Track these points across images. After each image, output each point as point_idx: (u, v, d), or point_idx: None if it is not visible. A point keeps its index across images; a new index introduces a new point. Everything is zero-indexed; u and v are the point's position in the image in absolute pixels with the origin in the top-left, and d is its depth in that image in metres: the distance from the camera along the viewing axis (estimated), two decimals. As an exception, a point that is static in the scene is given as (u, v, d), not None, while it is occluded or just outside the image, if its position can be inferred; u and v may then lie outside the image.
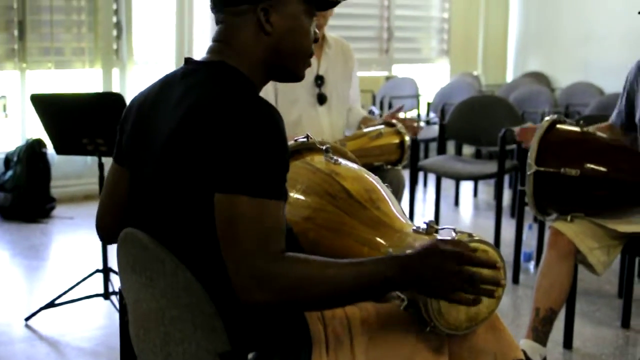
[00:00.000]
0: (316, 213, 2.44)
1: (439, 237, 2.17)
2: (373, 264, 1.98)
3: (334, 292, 1.92)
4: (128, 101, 4.14)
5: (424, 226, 2.28)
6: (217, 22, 2.19)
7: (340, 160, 2.61)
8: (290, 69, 2.23)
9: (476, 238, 2.14)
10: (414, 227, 2.32)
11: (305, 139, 2.68)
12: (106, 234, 2.42)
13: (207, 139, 1.93)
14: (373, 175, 2.59)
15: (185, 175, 1.96)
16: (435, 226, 2.27)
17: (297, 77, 2.27)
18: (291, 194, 2.43)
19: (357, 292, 1.96)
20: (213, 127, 1.93)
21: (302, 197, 2.48)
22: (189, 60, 2.21)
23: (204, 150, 1.92)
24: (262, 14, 2.09)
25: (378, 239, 2.33)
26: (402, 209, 2.51)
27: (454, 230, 2.17)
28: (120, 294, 2.44)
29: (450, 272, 1.95)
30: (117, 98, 4.34)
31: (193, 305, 2.01)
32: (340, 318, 2.16)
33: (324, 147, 2.64)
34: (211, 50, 2.18)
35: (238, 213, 1.87)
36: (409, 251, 2.03)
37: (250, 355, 2.10)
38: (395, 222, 2.38)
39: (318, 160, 2.61)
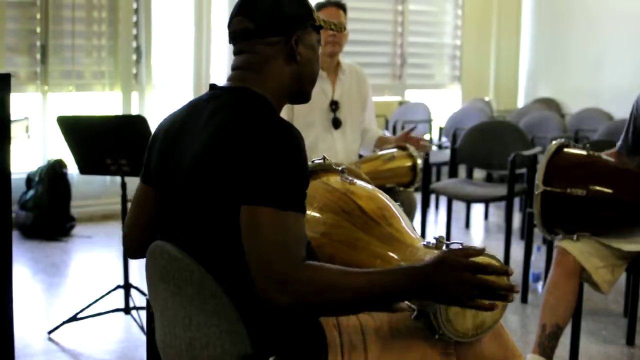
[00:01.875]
0: (332, 229, 2.59)
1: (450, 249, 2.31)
2: (389, 273, 2.12)
3: (351, 299, 2.06)
4: (149, 124, 4.33)
5: (434, 241, 2.43)
6: (239, 52, 2.36)
7: (355, 180, 2.76)
8: (306, 92, 2.43)
9: (486, 253, 2.28)
10: (424, 242, 2.47)
11: (321, 160, 2.83)
12: (133, 250, 2.57)
13: (234, 156, 2.09)
14: (385, 194, 2.73)
15: (213, 189, 2.12)
16: (445, 241, 2.41)
17: (307, 99, 2.47)
18: (308, 212, 2.58)
19: (372, 300, 2.10)
20: (240, 146, 2.09)
21: (318, 215, 2.62)
22: (214, 86, 2.37)
23: (232, 167, 2.08)
24: (294, 44, 2.27)
25: (390, 254, 2.47)
26: (412, 226, 2.65)
27: (462, 245, 2.31)
28: (147, 302, 2.59)
29: (465, 281, 2.08)
30: (140, 120, 4.48)
31: (218, 312, 2.15)
32: (354, 326, 2.31)
33: (339, 168, 2.79)
34: (234, 78, 2.35)
35: (262, 223, 2.02)
36: (424, 262, 2.15)
37: (270, 359, 2.24)
38: (406, 237, 2.53)
39: (334, 180, 2.76)
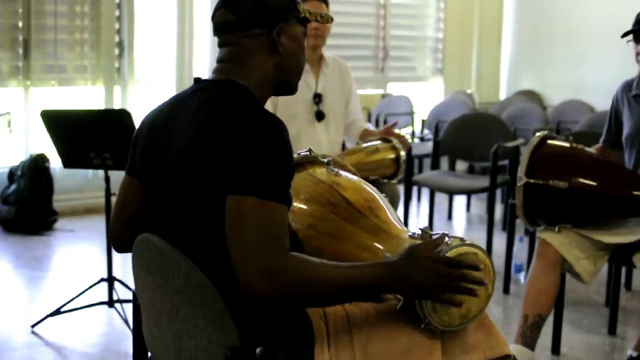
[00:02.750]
0: (318, 221, 2.60)
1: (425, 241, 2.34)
2: (369, 267, 2.17)
3: (332, 291, 2.09)
4: (133, 118, 4.33)
5: (419, 232, 2.45)
6: (223, 45, 2.37)
7: (341, 172, 2.78)
8: (291, 84, 2.44)
9: (467, 242, 2.31)
10: (410, 233, 2.49)
11: (307, 153, 2.84)
12: (120, 244, 2.57)
13: (219, 148, 2.10)
14: (371, 186, 2.75)
15: (200, 181, 2.13)
16: (430, 232, 2.43)
17: (294, 91, 2.48)
18: (295, 203, 2.60)
19: (354, 293, 2.15)
20: (225, 138, 2.10)
21: (304, 206, 2.64)
22: (198, 80, 2.38)
23: (217, 159, 2.10)
24: (277, 36, 2.28)
25: (376, 245, 2.49)
26: (398, 217, 2.67)
27: (447, 235, 2.33)
28: (133, 295, 2.60)
29: (438, 274, 2.16)
30: (124, 114, 4.47)
31: (205, 303, 2.16)
32: (341, 315, 2.33)
33: (325, 160, 2.81)
34: (218, 70, 2.36)
35: (246, 212, 2.04)
36: (398, 255, 2.21)
37: (257, 350, 2.25)
38: (392, 228, 2.54)
39: (320, 172, 2.78)
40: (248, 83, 2.30)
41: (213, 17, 2.38)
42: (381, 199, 2.68)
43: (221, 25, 2.36)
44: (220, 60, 2.37)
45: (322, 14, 2.50)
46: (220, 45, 2.38)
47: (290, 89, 2.44)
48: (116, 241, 2.58)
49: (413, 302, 2.30)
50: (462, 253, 2.28)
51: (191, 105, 2.27)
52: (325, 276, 2.08)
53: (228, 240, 2.06)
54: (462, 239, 2.33)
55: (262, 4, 2.30)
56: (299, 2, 2.40)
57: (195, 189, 2.15)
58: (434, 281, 2.16)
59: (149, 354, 2.61)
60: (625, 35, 4.08)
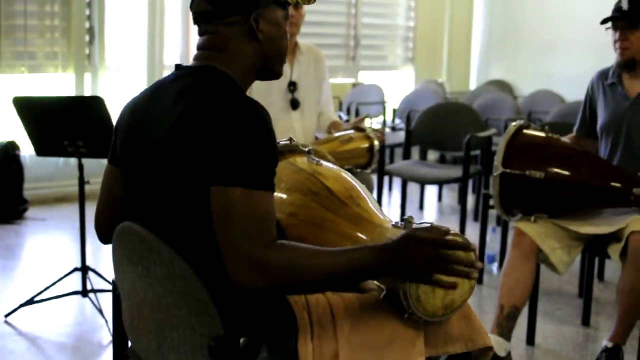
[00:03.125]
0: (300, 209, 2.59)
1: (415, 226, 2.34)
2: (358, 251, 2.16)
3: (323, 277, 2.09)
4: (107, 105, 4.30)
5: (402, 222, 2.44)
6: (203, 33, 2.35)
7: (322, 161, 2.77)
8: (275, 69, 2.43)
9: (452, 232, 2.30)
10: (393, 223, 2.48)
11: (288, 142, 2.83)
12: (104, 233, 2.55)
13: (202, 136, 2.08)
14: (351, 175, 2.74)
15: (182, 170, 2.11)
16: (413, 221, 2.42)
17: (278, 75, 2.47)
18: (276, 193, 2.57)
19: (344, 277, 2.14)
20: (208, 126, 2.08)
21: (285, 195, 2.63)
22: (179, 66, 2.36)
23: (200, 147, 2.08)
24: (254, 22, 2.26)
25: (359, 234, 2.48)
26: (379, 206, 2.66)
27: (431, 224, 2.33)
28: (113, 284, 2.58)
29: (429, 256, 2.15)
30: (98, 101, 4.42)
31: (188, 293, 2.15)
32: (324, 306, 2.32)
33: (306, 149, 2.80)
34: (199, 57, 2.34)
35: (232, 203, 2.03)
36: (389, 240, 2.20)
37: (241, 341, 2.24)
38: (374, 218, 2.54)
39: (300, 161, 2.76)
40: (229, 69, 2.28)
41: (191, 7, 2.36)
42: (362, 189, 2.67)
43: (199, 15, 2.34)
44: (200, 47, 2.35)
45: None
46: (200, 34, 2.36)
47: (274, 73, 2.43)
48: (100, 231, 2.57)
49: (397, 292, 2.29)
50: (446, 242, 2.27)
51: (172, 93, 2.25)
52: (314, 263, 2.07)
53: (215, 230, 2.05)
54: (447, 229, 2.32)
55: None
56: None
57: (177, 178, 2.14)
58: (423, 262, 2.15)
59: (129, 343, 2.59)
60: (604, 22, 4.09)
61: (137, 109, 2.37)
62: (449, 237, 2.20)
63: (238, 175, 2.04)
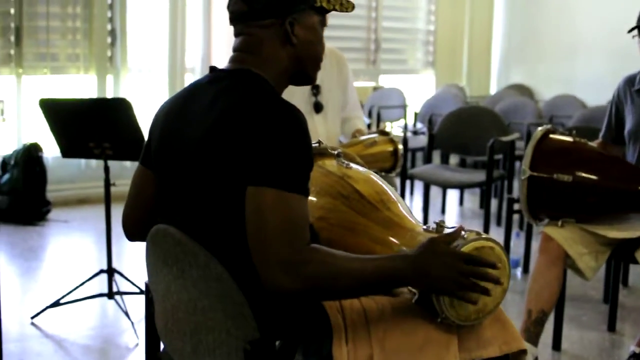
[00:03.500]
0: (330, 213, 2.58)
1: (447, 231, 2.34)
2: (388, 260, 2.15)
3: (352, 283, 2.08)
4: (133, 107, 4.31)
5: (434, 225, 2.44)
6: (238, 34, 2.35)
7: (351, 164, 2.76)
8: (309, 74, 2.43)
9: (484, 236, 2.30)
10: (424, 227, 2.48)
11: (317, 144, 2.83)
12: (132, 232, 2.56)
13: (239, 138, 2.08)
14: (381, 179, 2.74)
15: (219, 172, 2.11)
16: (445, 225, 2.42)
17: (313, 81, 2.47)
18: (305, 196, 2.58)
19: (373, 285, 2.13)
20: (245, 128, 2.08)
21: (315, 199, 2.61)
22: (214, 69, 2.37)
23: (237, 149, 2.08)
24: (289, 26, 2.27)
25: (390, 238, 2.47)
26: (410, 210, 2.66)
27: (463, 228, 2.33)
28: (146, 287, 2.58)
29: (458, 271, 2.16)
30: (124, 103, 4.42)
31: (224, 295, 2.15)
32: (358, 310, 2.32)
33: (335, 152, 2.79)
34: (234, 60, 2.34)
35: (266, 204, 2.02)
36: (418, 249, 2.19)
37: (276, 343, 2.24)
38: (405, 222, 2.53)
39: (330, 164, 2.76)
40: (264, 73, 2.28)
41: (228, 6, 2.37)
42: (392, 192, 2.66)
43: (235, 15, 2.34)
44: (236, 50, 2.35)
45: (342, 1, 2.46)
46: (235, 35, 2.36)
47: (308, 78, 2.43)
48: (128, 230, 2.57)
49: (430, 297, 2.29)
50: (478, 247, 2.27)
51: (208, 95, 2.25)
52: (345, 269, 2.07)
53: (248, 232, 2.04)
54: (478, 233, 2.32)
55: None
56: None
57: (213, 179, 2.14)
58: (451, 277, 2.15)
59: (162, 346, 2.59)
60: (631, 30, 4.07)
61: (172, 111, 2.37)
62: (481, 246, 2.23)
63: (273, 176, 2.03)
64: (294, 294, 2.03)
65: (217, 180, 2.13)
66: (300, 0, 2.32)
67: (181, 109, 2.34)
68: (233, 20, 2.36)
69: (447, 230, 2.38)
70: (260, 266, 2.01)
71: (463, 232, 2.31)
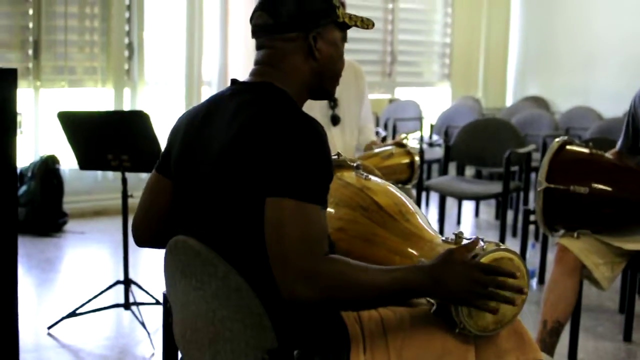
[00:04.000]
0: (349, 224, 2.60)
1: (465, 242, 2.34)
2: (406, 271, 2.16)
3: (370, 293, 2.09)
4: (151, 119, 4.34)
5: (452, 237, 2.45)
6: (260, 47, 2.37)
7: (370, 176, 2.78)
8: (328, 89, 2.45)
9: (502, 247, 2.31)
10: (443, 238, 2.49)
11: (335, 157, 2.84)
12: (141, 238, 2.57)
13: (260, 151, 2.10)
14: (400, 190, 2.75)
15: (239, 183, 2.13)
16: (463, 237, 2.43)
17: (331, 96, 2.50)
18: (324, 207, 2.59)
19: (390, 296, 2.14)
20: (266, 141, 2.11)
21: (334, 210, 2.63)
22: (235, 81, 2.38)
23: (258, 161, 2.10)
24: (313, 41, 2.29)
25: (409, 249, 2.49)
26: (428, 221, 2.67)
27: (482, 239, 2.34)
28: (164, 297, 2.60)
29: (477, 281, 2.16)
30: (143, 116, 4.46)
31: (243, 306, 2.16)
32: (375, 320, 2.33)
33: (354, 164, 2.81)
34: (256, 73, 2.36)
35: (285, 215, 2.04)
36: (435, 260, 2.20)
37: (294, 353, 2.24)
38: (424, 233, 2.54)
39: (348, 175, 2.77)
40: (286, 86, 2.30)
41: (251, 20, 2.39)
42: (411, 204, 2.68)
43: (258, 28, 2.36)
44: (257, 63, 2.37)
45: (363, 19, 2.49)
46: (257, 48, 2.38)
47: (327, 94, 2.45)
48: (137, 235, 2.57)
49: (448, 307, 2.30)
50: (497, 258, 2.27)
51: (230, 108, 2.27)
52: (363, 280, 2.07)
53: (267, 243, 2.06)
54: (497, 244, 2.33)
55: (300, 8, 2.30)
56: (339, 7, 2.40)
57: (234, 191, 2.15)
58: (470, 288, 2.16)
59: (179, 355, 2.61)
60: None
61: (193, 122, 2.39)
62: (500, 256, 2.24)
63: (293, 187, 2.05)
64: (312, 304, 2.05)
65: (237, 191, 2.15)
66: (325, 15, 2.34)
67: (203, 120, 2.35)
68: (256, 33, 2.38)
69: (465, 242, 2.39)
70: (278, 277, 2.03)
71: (482, 243, 2.32)
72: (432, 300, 2.40)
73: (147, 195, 2.54)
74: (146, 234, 2.53)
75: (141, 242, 2.59)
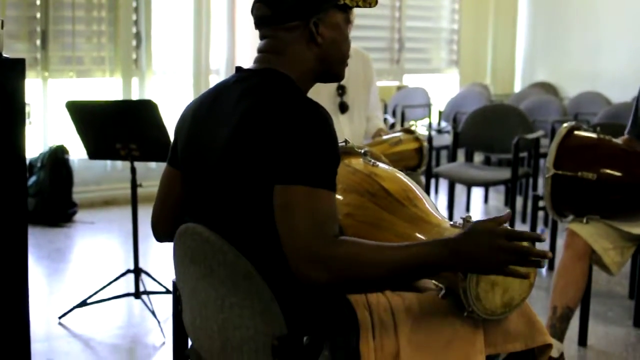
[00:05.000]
0: (356, 210, 2.60)
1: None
2: (422, 246, 2.13)
3: (385, 272, 2.07)
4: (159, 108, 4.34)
5: (460, 221, 2.45)
6: (263, 37, 2.37)
7: (377, 162, 2.78)
8: (335, 72, 2.44)
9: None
10: (451, 223, 2.49)
11: (343, 143, 2.84)
12: (160, 233, 2.57)
13: (266, 136, 2.11)
14: (407, 176, 2.75)
15: (246, 169, 2.14)
16: (472, 220, 2.42)
17: (339, 78, 2.48)
18: (332, 194, 2.59)
19: (407, 273, 2.10)
20: (271, 126, 2.11)
21: (342, 196, 2.63)
22: (240, 69, 2.39)
23: (264, 147, 2.10)
24: (314, 27, 2.28)
25: (417, 234, 2.49)
26: (436, 207, 2.67)
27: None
28: (173, 285, 2.61)
29: (500, 248, 2.08)
30: (151, 105, 4.47)
31: (252, 292, 2.17)
32: (384, 306, 2.34)
33: (362, 151, 2.81)
34: (260, 60, 2.36)
35: (295, 201, 2.05)
36: (455, 234, 2.17)
37: (304, 339, 2.25)
38: (432, 218, 2.54)
39: (356, 162, 2.77)
40: (290, 72, 2.30)
41: (252, 11, 2.38)
42: (418, 189, 2.68)
43: (258, 19, 2.36)
44: (260, 51, 2.37)
45: None
46: (261, 38, 2.38)
47: (335, 76, 2.44)
48: (157, 231, 2.59)
49: (456, 291, 2.30)
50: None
51: (234, 94, 2.27)
52: (377, 259, 2.05)
53: (279, 229, 2.06)
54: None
55: None
56: None
57: (240, 178, 2.16)
58: (496, 255, 2.08)
59: (189, 343, 2.62)
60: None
61: (199, 111, 2.39)
62: (518, 229, 2.18)
63: (301, 174, 2.06)
64: (328, 287, 2.04)
65: (244, 178, 2.15)
66: (324, 0, 2.33)
67: (208, 109, 2.36)
68: (258, 25, 2.37)
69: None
70: (292, 263, 2.03)
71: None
72: (440, 285, 2.41)
73: (161, 190, 2.55)
74: (165, 228, 2.53)
75: (161, 238, 2.59)
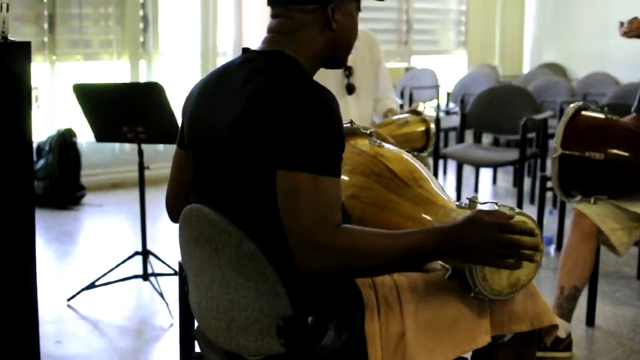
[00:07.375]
0: (362, 191, 2.60)
1: (479, 209, 2.33)
2: (421, 234, 2.14)
3: (385, 260, 2.09)
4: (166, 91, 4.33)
5: (467, 201, 2.45)
6: (276, 16, 2.35)
7: (383, 143, 2.77)
8: (340, 59, 2.44)
9: (517, 211, 2.31)
10: (457, 203, 2.49)
11: (348, 124, 2.84)
12: (176, 215, 2.55)
13: (270, 120, 2.10)
14: (413, 157, 2.75)
15: (250, 153, 2.13)
16: (478, 201, 2.43)
17: (342, 65, 2.48)
18: (337, 175, 2.59)
19: (405, 261, 2.13)
20: (276, 110, 2.10)
21: (347, 177, 2.63)
22: (246, 50, 2.38)
23: (268, 131, 2.09)
24: (331, 12, 2.28)
25: (423, 215, 2.49)
26: (442, 187, 2.67)
27: (496, 203, 2.33)
28: (180, 266, 2.61)
29: (492, 240, 2.11)
30: (157, 87, 4.46)
31: (257, 273, 2.17)
32: (389, 285, 2.34)
33: (367, 132, 2.80)
34: (268, 41, 2.34)
35: (298, 188, 2.04)
36: (452, 223, 2.18)
37: (309, 320, 2.26)
38: (438, 199, 2.54)
39: (362, 143, 2.77)
40: (297, 55, 2.28)
41: None
42: (424, 170, 2.67)
43: None
44: (271, 30, 2.35)
45: None
46: (273, 16, 2.36)
47: (339, 63, 2.44)
48: (172, 213, 2.59)
49: (462, 272, 2.30)
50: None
51: (240, 76, 2.26)
52: (376, 248, 2.07)
53: (282, 216, 2.06)
54: (511, 208, 2.33)
55: None
56: None
57: (245, 161, 2.15)
58: (489, 247, 2.11)
59: (196, 324, 2.62)
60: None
61: (204, 92, 2.38)
62: (514, 221, 2.19)
63: (306, 160, 2.05)
64: (329, 275, 2.06)
65: (249, 161, 2.14)
66: None
67: (213, 90, 2.35)
68: (272, 3, 2.36)
69: (479, 206, 2.39)
70: (294, 250, 2.04)
71: (496, 207, 2.32)
72: (446, 265, 2.41)
73: (173, 172, 2.56)
74: (179, 210, 2.50)
75: (176, 219, 2.56)
